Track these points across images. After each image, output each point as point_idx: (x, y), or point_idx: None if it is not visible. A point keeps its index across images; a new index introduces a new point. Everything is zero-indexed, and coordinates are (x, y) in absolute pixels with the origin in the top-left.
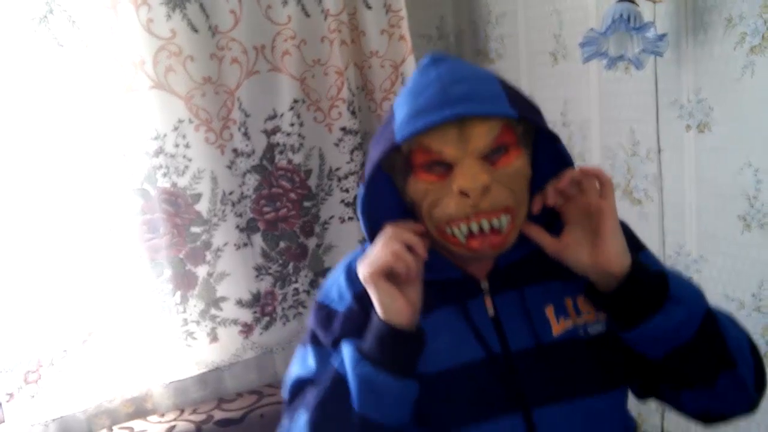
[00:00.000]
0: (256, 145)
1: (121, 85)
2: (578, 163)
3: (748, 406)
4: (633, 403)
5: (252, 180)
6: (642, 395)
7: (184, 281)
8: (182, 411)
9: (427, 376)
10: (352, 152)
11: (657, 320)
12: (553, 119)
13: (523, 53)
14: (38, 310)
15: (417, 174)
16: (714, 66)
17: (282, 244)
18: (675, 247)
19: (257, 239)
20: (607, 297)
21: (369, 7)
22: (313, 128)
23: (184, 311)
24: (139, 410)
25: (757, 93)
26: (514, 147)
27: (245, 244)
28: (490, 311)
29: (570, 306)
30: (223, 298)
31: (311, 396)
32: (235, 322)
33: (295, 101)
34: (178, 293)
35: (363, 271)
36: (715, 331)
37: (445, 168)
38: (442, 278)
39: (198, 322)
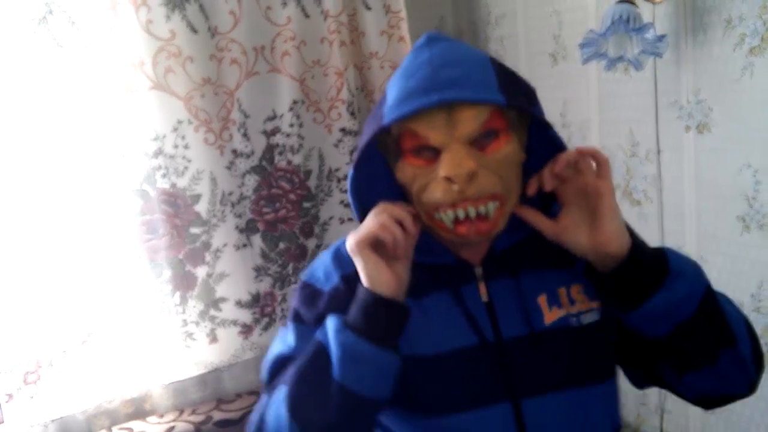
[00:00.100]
0: (256, 145)
1: (121, 86)
2: None
3: (748, 386)
4: (633, 403)
5: (251, 181)
6: (641, 383)
7: (184, 282)
8: (181, 412)
9: (419, 358)
10: (351, 153)
11: (659, 297)
12: (552, 120)
13: (523, 54)
14: (38, 310)
15: (406, 158)
16: (713, 67)
17: (281, 245)
18: (674, 247)
19: (257, 240)
20: (607, 277)
21: (369, 8)
22: (312, 129)
23: (184, 312)
24: (139, 411)
25: (757, 94)
26: (504, 132)
27: (245, 245)
28: (484, 297)
29: (563, 295)
30: (223, 299)
31: (292, 369)
32: (234, 322)
33: (295, 102)
34: (178, 294)
35: (350, 241)
36: (715, 308)
37: (433, 153)
38: (436, 262)
39: (197, 323)
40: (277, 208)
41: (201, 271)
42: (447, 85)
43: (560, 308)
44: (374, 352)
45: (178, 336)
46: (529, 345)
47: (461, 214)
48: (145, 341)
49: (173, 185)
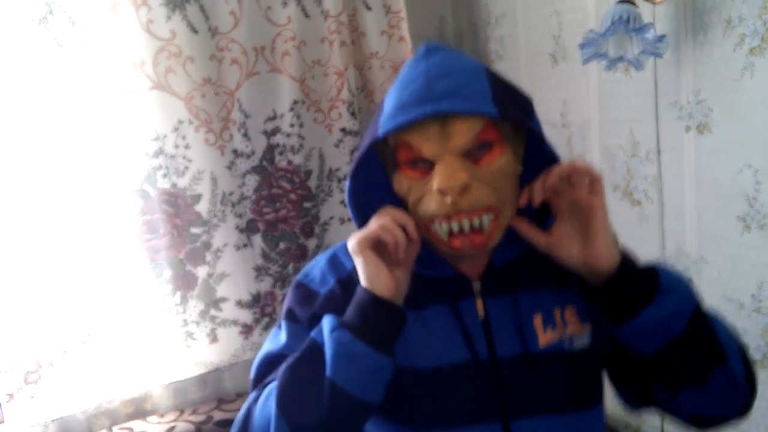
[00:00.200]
0: (256, 145)
1: (121, 86)
2: None
3: (741, 406)
4: None
5: (252, 181)
6: (635, 404)
7: (184, 282)
8: (182, 412)
9: (413, 370)
10: (352, 153)
11: (648, 312)
12: (552, 120)
13: (523, 54)
14: (38, 310)
15: (401, 170)
16: (713, 67)
17: (282, 245)
18: (675, 248)
19: (257, 240)
20: (597, 292)
21: (369, 8)
22: (313, 129)
23: (184, 312)
24: (139, 411)
25: (757, 94)
26: (498, 144)
27: (245, 245)
28: (481, 313)
29: (558, 316)
30: (223, 299)
31: (283, 365)
32: (234, 322)
33: (295, 102)
34: (178, 294)
35: (351, 241)
36: (706, 326)
37: (428, 165)
38: (435, 275)
39: (198, 323)
40: (278, 208)
41: (201, 271)
42: (441, 97)
43: (554, 330)
44: (368, 353)
45: (178, 336)
46: (523, 366)
47: (455, 226)
48: (145, 341)
49: (174, 185)
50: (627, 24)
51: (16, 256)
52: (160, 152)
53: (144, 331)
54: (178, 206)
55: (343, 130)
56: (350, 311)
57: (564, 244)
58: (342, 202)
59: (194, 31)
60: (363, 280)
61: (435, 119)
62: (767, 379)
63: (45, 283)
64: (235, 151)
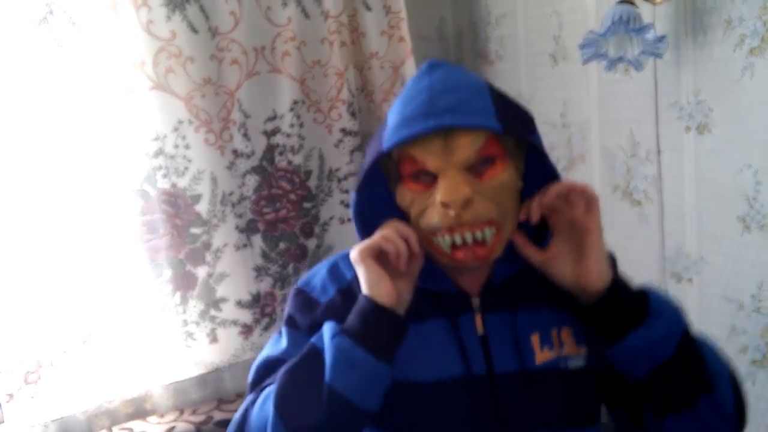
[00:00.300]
0: (256, 146)
1: (121, 86)
2: (579, 164)
3: None
4: None
5: (252, 181)
6: (628, 428)
7: (184, 282)
8: (182, 412)
9: (410, 383)
10: (351, 153)
11: (637, 335)
12: (552, 120)
13: (523, 55)
14: (38, 310)
15: (405, 183)
16: (713, 67)
17: (282, 245)
18: (675, 248)
19: (257, 240)
20: (587, 311)
21: (369, 9)
22: (313, 129)
23: (184, 312)
24: (139, 411)
25: (757, 94)
26: (500, 159)
27: (245, 245)
28: (480, 330)
29: (555, 336)
30: (223, 299)
31: (283, 369)
32: (234, 323)
33: (295, 102)
34: (178, 294)
35: (354, 251)
36: (694, 351)
37: (431, 178)
38: (435, 289)
39: (198, 323)
40: (278, 208)
41: (201, 271)
42: (444, 111)
43: (551, 350)
44: (368, 360)
45: (178, 336)
46: (520, 382)
47: (458, 239)
48: (145, 341)
49: (174, 185)
50: (627, 24)
51: (16, 256)
52: (160, 152)
53: (144, 331)
54: (178, 206)
55: (343, 130)
56: (351, 318)
57: (558, 261)
58: (342, 202)
59: (194, 31)
60: (364, 288)
61: (438, 134)
62: (767, 378)
63: (45, 283)
64: (235, 151)
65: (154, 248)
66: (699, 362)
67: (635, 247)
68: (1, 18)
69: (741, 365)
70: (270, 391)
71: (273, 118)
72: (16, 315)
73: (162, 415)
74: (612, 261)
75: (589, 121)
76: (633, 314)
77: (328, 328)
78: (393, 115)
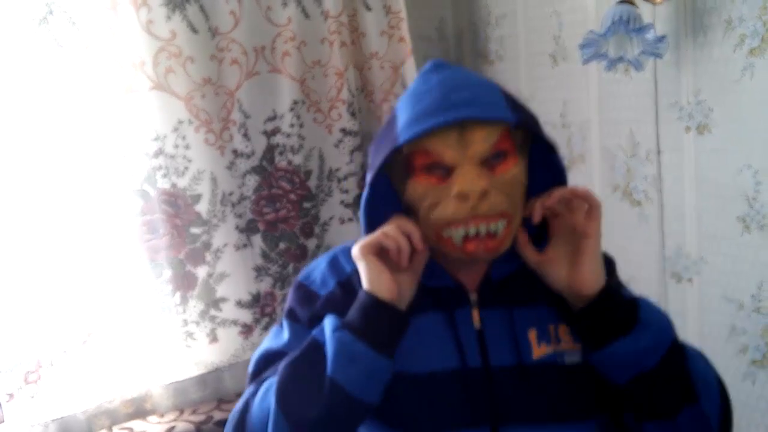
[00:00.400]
0: (256, 146)
1: (121, 86)
2: (579, 164)
3: None
4: None
5: (252, 181)
6: (615, 428)
7: (184, 282)
8: (182, 411)
9: (405, 375)
10: (351, 153)
11: (622, 344)
12: (552, 120)
13: (523, 55)
14: (38, 310)
15: (417, 176)
16: (713, 68)
17: (282, 245)
18: (675, 248)
19: (257, 240)
20: (576, 315)
21: (369, 9)
22: (312, 129)
23: (184, 312)
24: (139, 411)
25: (757, 95)
26: (512, 154)
27: (245, 245)
28: (476, 324)
29: (552, 333)
30: (223, 299)
31: (284, 362)
32: (234, 322)
33: (295, 102)
34: (178, 294)
35: (356, 247)
36: (680, 363)
37: (444, 171)
38: (433, 284)
39: (198, 323)
40: (278, 208)
41: (201, 271)
42: (460, 105)
43: (548, 345)
44: (369, 354)
45: (178, 336)
46: (517, 375)
47: (472, 231)
48: (145, 341)
49: (174, 185)
50: (627, 24)
51: (16, 256)
52: (160, 152)
53: (144, 331)
54: (178, 206)
55: (343, 130)
56: (352, 312)
57: (554, 264)
58: (342, 202)
59: (194, 31)
60: (365, 283)
61: (453, 127)
62: (767, 378)
63: (45, 283)
64: (235, 151)
65: (154, 248)
66: (683, 375)
67: (635, 248)
68: (1, 18)
69: (741, 365)
70: (271, 383)
71: (273, 118)
72: (16, 315)
73: (162, 415)
74: (611, 265)
75: (589, 121)
76: (620, 323)
77: (329, 322)
78: (404, 111)
